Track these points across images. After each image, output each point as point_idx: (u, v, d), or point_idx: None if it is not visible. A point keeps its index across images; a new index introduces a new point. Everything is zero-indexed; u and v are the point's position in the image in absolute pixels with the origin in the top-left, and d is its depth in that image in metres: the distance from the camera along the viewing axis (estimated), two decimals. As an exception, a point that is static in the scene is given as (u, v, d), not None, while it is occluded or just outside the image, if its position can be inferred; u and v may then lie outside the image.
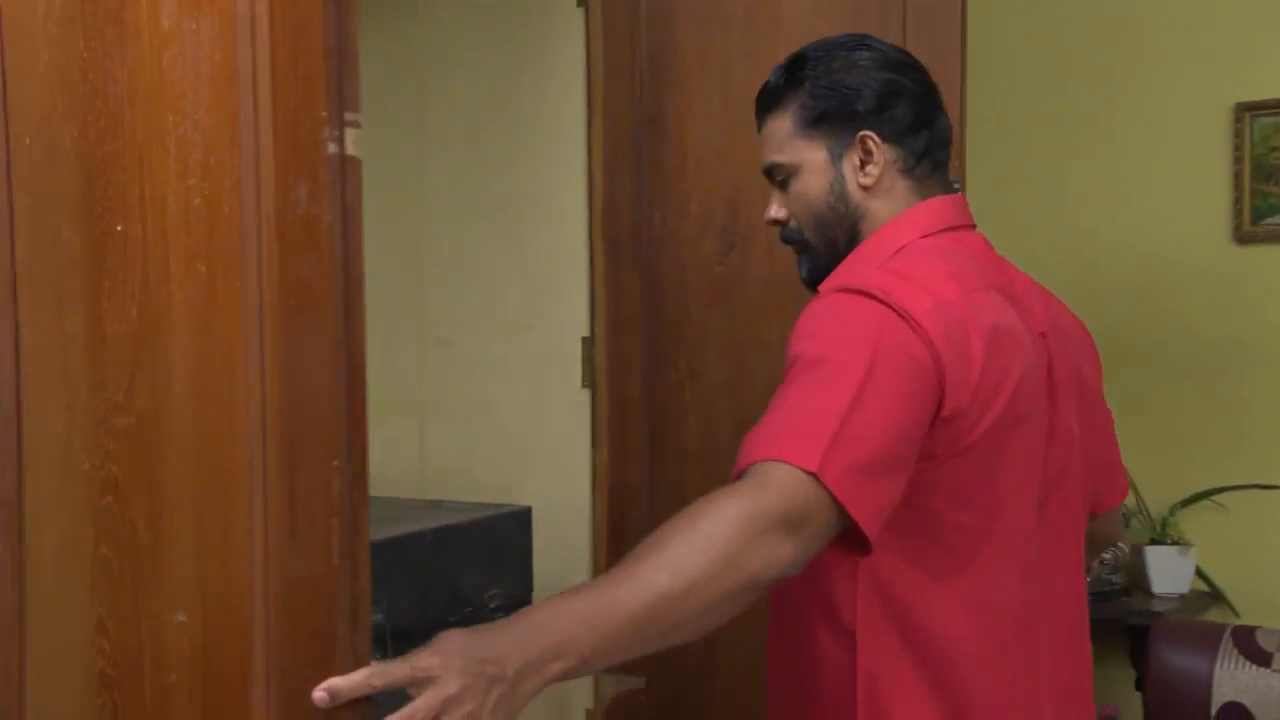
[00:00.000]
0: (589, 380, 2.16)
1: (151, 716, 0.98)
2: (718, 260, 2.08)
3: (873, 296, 1.26)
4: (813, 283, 1.47)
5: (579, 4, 2.14)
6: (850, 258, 1.41)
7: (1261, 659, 2.24)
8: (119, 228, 0.99)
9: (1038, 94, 3.11)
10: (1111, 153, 3.02)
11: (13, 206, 1.04)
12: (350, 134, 0.91)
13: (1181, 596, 2.80)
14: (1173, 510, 2.86)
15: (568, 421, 2.18)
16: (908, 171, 1.42)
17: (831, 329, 1.26)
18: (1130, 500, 2.88)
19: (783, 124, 1.45)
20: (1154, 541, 2.84)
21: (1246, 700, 2.22)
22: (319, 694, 1.01)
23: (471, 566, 1.90)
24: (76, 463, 1.00)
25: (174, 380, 0.96)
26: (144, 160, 0.99)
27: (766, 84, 1.49)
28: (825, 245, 1.45)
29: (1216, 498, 2.85)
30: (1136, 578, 2.87)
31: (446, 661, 1.01)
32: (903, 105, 1.41)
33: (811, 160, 1.43)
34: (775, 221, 1.49)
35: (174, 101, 0.97)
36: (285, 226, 0.91)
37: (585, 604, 1.09)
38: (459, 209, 2.29)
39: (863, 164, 1.41)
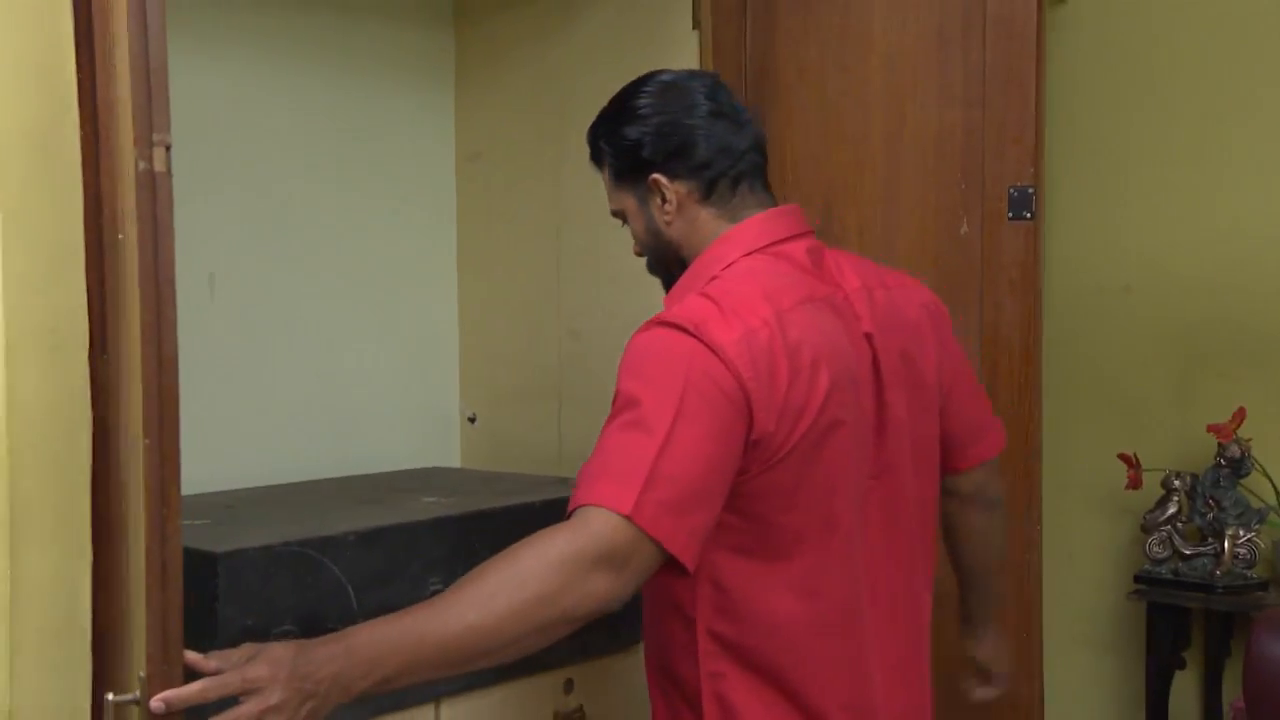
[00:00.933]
0: (699, 370, 2.35)
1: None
2: (813, 260, 2.24)
3: (684, 330, 1.38)
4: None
5: (694, 26, 2.34)
6: (678, 283, 1.55)
7: (1355, 652, 2.25)
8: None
9: (1171, 94, 3.11)
10: (1245, 149, 2.99)
11: None
12: (159, 153, 1.12)
13: (1318, 593, 2.78)
14: (1311, 507, 2.84)
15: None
16: (705, 199, 1.54)
17: (647, 368, 1.37)
18: (1267, 495, 2.88)
19: (605, 178, 1.63)
20: (1293, 536, 2.82)
21: (1338, 692, 2.24)
22: (156, 703, 1.16)
23: None
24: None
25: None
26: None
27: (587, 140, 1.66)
28: (664, 274, 1.61)
29: (1360, 495, 2.82)
30: (1274, 573, 2.86)
31: (274, 673, 1.20)
32: (682, 140, 1.53)
33: (629, 207, 1.60)
34: (639, 255, 1.65)
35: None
36: (104, 235, 1.12)
37: (398, 633, 1.26)
38: (592, 213, 2.51)
39: (662, 203, 1.55)
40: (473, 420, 2.72)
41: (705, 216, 1.55)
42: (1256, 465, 2.84)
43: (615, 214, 1.65)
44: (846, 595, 1.47)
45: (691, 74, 1.63)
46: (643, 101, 1.57)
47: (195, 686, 1.20)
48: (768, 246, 1.52)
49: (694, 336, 1.37)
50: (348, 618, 1.76)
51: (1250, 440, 2.86)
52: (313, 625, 1.72)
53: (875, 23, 2.18)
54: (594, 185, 2.52)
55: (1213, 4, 3.04)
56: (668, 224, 1.56)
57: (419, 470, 2.56)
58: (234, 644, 1.52)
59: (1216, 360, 3.04)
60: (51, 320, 1.37)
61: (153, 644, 1.07)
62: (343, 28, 2.53)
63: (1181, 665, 2.91)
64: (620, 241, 2.49)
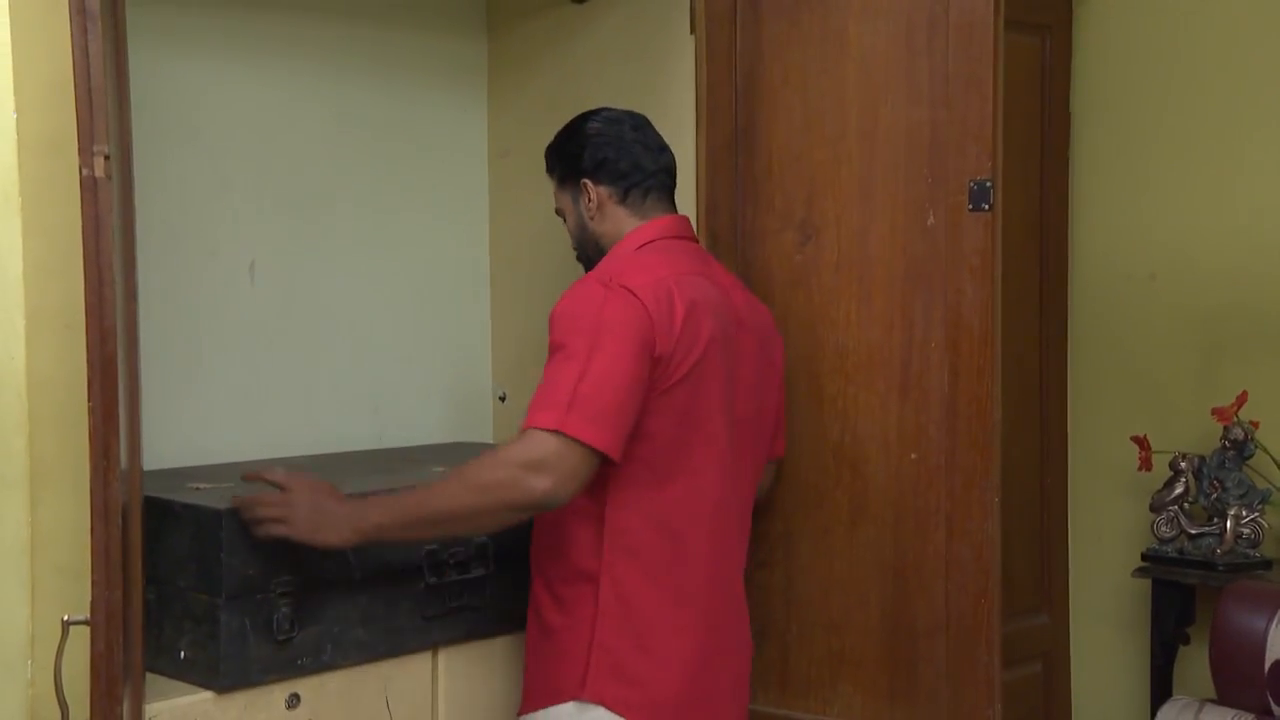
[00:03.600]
0: (696, 352, 2.52)
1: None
2: (796, 250, 2.39)
3: (601, 283, 1.89)
4: None
5: (691, 32, 2.51)
6: (597, 266, 2.04)
7: (1314, 622, 2.33)
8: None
9: (1197, 86, 3.17)
10: (1269, 141, 3.04)
11: None
12: (99, 161, 1.34)
13: (1322, 573, 2.84)
14: (1320, 490, 2.89)
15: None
16: (621, 202, 2.10)
17: (568, 318, 1.86)
18: (1275, 476, 2.94)
19: (553, 184, 2.19)
20: (1298, 519, 2.89)
21: (1294, 661, 2.32)
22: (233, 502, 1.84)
23: None
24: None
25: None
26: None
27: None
28: (586, 260, 2.16)
29: (1371, 479, 2.86)
30: (1281, 553, 2.93)
31: (300, 494, 1.84)
32: (606, 155, 2.09)
33: (566, 205, 2.16)
34: (573, 246, 2.14)
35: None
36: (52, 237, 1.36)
37: (390, 500, 1.85)
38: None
39: (588, 201, 2.10)
40: (503, 399, 2.94)
41: (620, 214, 2.11)
42: (1260, 447, 2.91)
43: (558, 212, 2.15)
44: (719, 498, 1.98)
45: (627, 112, 2.17)
46: (587, 126, 2.13)
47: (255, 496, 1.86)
48: (663, 239, 2.08)
49: (607, 286, 1.87)
50: (344, 573, 1.99)
51: (1258, 423, 2.93)
52: (312, 577, 1.95)
53: (850, 29, 2.32)
54: (610, 180, 2.73)
55: (1238, 3, 3.09)
56: (591, 219, 2.11)
57: (448, 445, 2.79)
58: (239, 591, 1.82)
59: (1236, 346, 3.10)
60: (65, 302, 1.62)
61: (96, 571, 1.30)
62: (385, 37, 2.77)
63: (1185, 641, 2.99)
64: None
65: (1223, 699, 2.55)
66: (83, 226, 1.38)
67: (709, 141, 2.47)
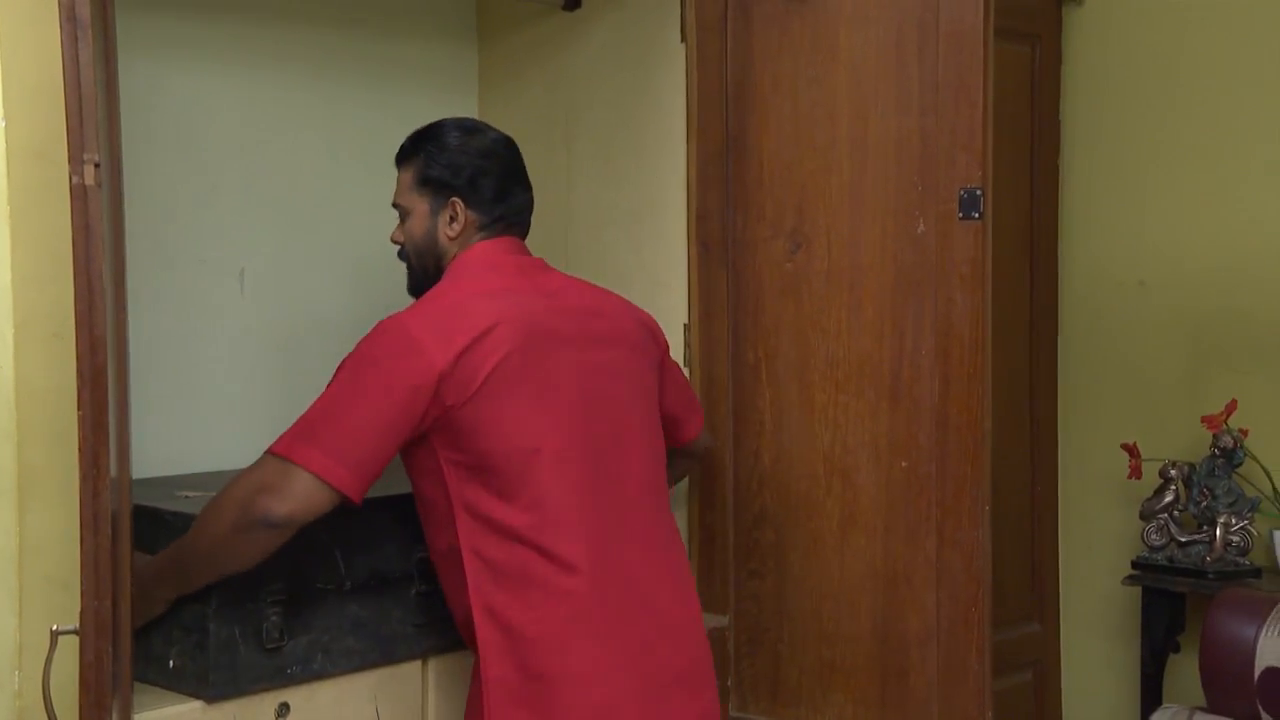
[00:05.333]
0: (687, 360, 2.52)
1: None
2: (787, 259, 2.39)
3: (389, 319, 1.87)
4: (411, 292, 2.07)
5: (682, 39, 2.51)
6: (438, 284, 1.97)
7: (1302, 629, 2.34)
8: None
9: (1185, 93, 3.18)
10: (1256, 148, 3.06)
11: None
12: (89, 169, 1.34)
13: (1312, 580, 2.85)
14: (1308, 497, 2.90)
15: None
16: (483, 229, 2.00)
17: (348, 357, 1.85)
18: (1264, 484, 2.95)
19: (406, 177, 2.05)
20: (1288, 526, 2.89)
21: (1283, 667, 2.33)
22: None
23: None
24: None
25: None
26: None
27: (402, 144, 2.08)
28: (420, 267, 2.04)
29: (1358, 486, 2.87)
30: (1271, 561, 2.93)
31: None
32: (487, 184, 1.99)
33: (418, 209, 2.02)
34: (394, 242, 2.07)
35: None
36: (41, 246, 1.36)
37: (162, 555, 1.82)
38: (596, 215, 2.71)
39: (450, 220, 1.99)
40: None
41: (476, 240, 2.00)
42: (1249, 454, 2.92)
43: (396, 206, 2.07)
44: (560, 504, 1.86)
45: (508, 141, 2.06)
46: (471, 141, 2.01)
47: None
48: (486, 257, 1.98)
49: (385, 322, 1.86)
50: (334, 582, 1.98)
51: (1248, 431, 2.94)
52: (302, 586, 1.94)
53: (840, 38, 2.32)
54: (598, 189, 2.73)
55: (1228, 7, 3.11)
56: (450, 238, 2.00)
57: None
58: (228, 600, 1.84)
59: (1225, 353, 3.11)
60: (55, 311, 1.62)
61: (85, 581, 1.29)
62: (376, 45, 2.76)
63: (1176, 649, 3.00)
64: (619, 244, 2.69)
65: (1213, 707, 2.56)
66: (73, 235, 1.38)
67: (700, 150, 2.48)
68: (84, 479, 1.33)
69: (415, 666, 2.12)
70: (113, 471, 1.38)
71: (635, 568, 1.92)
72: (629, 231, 2.64)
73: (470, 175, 1.99)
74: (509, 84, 2.87)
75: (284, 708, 1.91)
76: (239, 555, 1.77)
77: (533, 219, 2.82)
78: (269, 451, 1.78)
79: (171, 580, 1.80)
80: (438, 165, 2.00)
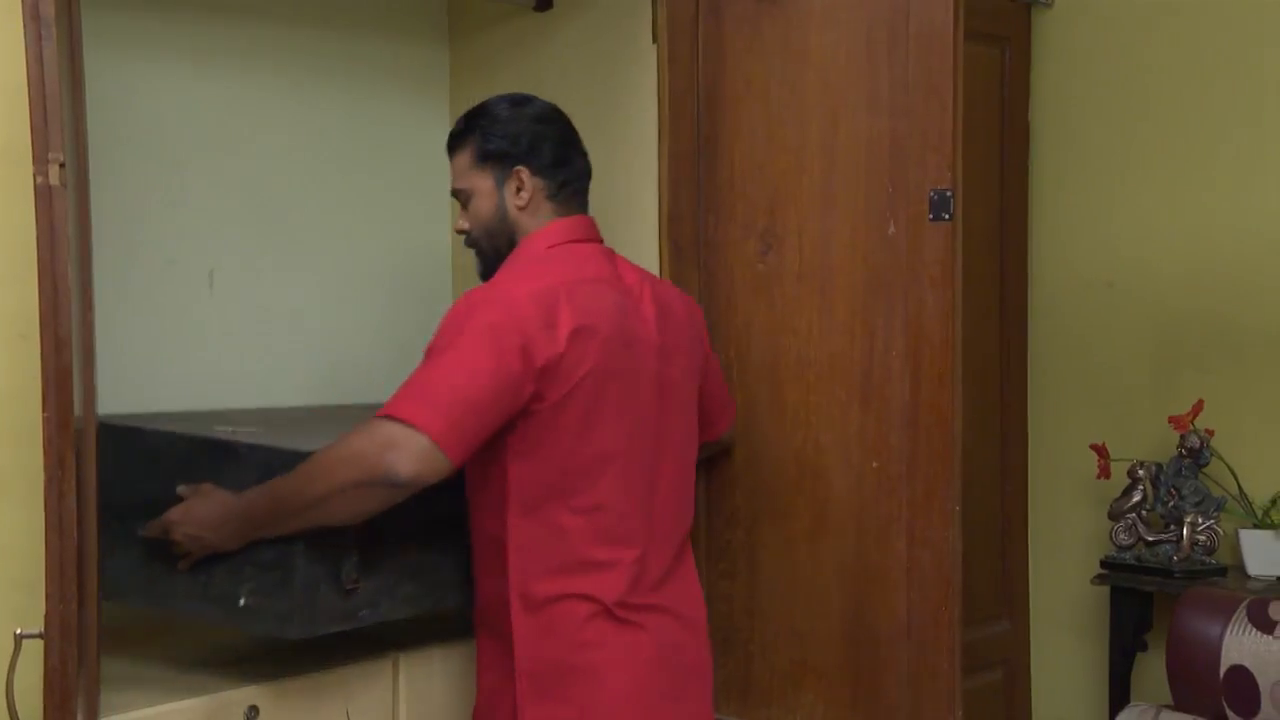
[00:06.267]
0: (659, 361, 2.51)
1: None
2: (758, 260, 2.39)
3: (485, 290, 1.86)
4: (483, 275, 2.03)
5: (654, 40, 2.51)
6: (508, 260, 1.99)
7: (1267, 627, 2.37)
8: None
9: (1153, 96, 3.21)
10: (1223, 150, 3.08)
11: None
12: (53, 170, 1.33)
13: (1278, 579, 2.87)
14: (1275, 499, 2.92)
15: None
16: (552, 197, 2.01)
17: (444, 326, 1.83)
18: (1230, 484, 2.97)
19: (463, 159, 2.05)
20: (1254, 526, 2.91)
21: (1249, 664, 2.35)
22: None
23: None
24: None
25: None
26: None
27: (450, 132, 2.05)
28: (492, 249, 2.03)
29: (1325, 486, 2.90)
30: (1237, 560, 2.96)
31: (183, 517, 1.80)
32: (547, 149, 2.01)
33: (481, 189, 2.02)
34: (460, 231, 2.04)
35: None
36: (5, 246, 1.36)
37: (270, 482, 1.77)
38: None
39: (518, 190, 1.99)
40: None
41: (547, 209, 2.02)
42: (1215, 454, 2.94)
43: (458, 192, 2.07)
44: (617, 510, 1.90)
45: (556, 109, 2.10)
46: (523, 110, 2.05)
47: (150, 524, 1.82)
48: (568, 242, 2.00)
49: (487, 293, 1.84)
50: (404, 525, 1.94)
51: (1214, 431, 2.96)
52: (370, 530, 1.88)
53: (811, 39, 2.33)
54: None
55: (1195, 11, 3.14)
56: (519, 209, 2.00)
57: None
58: (319, 539, 1.82)
59: (1192, 354, 3.14)
60: (20, 312, 1.61)
61: (50, 585, 1.28)
62: (347, 45, 2.76)
63: (1143, 648, 3.02)
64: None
65: (1179, 705, 2.58)
66: (37, 235, 1.36)
67: (671, 151, 2.48)
68: (49, 481, 1.32)
69: (385, 666, 2.12)
70: (79, 473, 1.37)
71: (666, 570, 1.98)
72: (601, 232, 2.63)
73: (529, 142, 2.00)
74: (480, 84, 2.86)
75: (253, 710, 1.91)
76: (349, 509, 1.75)
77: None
78: (391, 415, 1.73)
79: (259, 520, 1.77)
80: (495, 138, 2.01)
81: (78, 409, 1.43)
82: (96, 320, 1.54)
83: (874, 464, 2.26)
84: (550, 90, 2.70)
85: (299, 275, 2.67)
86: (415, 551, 1.99)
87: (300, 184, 2.68)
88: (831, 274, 2.31)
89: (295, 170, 2.67)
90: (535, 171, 1.99)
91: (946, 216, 2.20)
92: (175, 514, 1.81)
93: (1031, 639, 3.41)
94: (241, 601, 1.83)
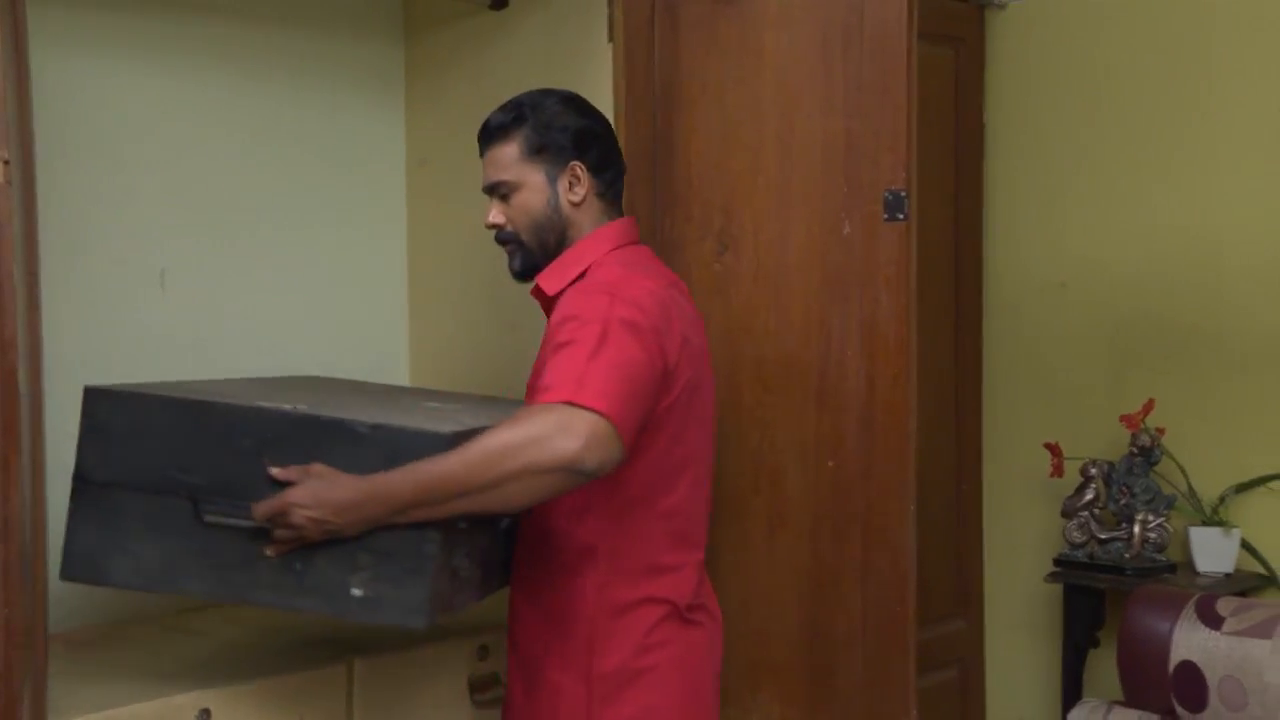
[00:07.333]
0: (615, 361, 2.51)
1: None
2: (715, 259, 2.39)
3: (608, 293, 1.82)
4: (523, 272, 2.00)
5: (609, 40, 2.50)
6: (564, 258, 1.97)
7: (1214, 623, 2.40)
8: None
9: (1105, 98, 3.24)
10: (1174, 154, 3.13)
11: None
12: None
13: (1227, 576, 2.90)
14: (1223, 497, 2.96)
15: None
16: (600, 195, 2.00)
17: (578, 321, 1.78)
18: (1180, 482, 3.01)
19: (509, 150, 1.99)
20: (1203, 523, 2.95)
21: (1198, 659, 2.39)
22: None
23: None
24: None
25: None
26: None
27: (489, 122, 2.00)
28: (539, 245, 1.99)
29: (1271, 484, 2.93)
30: (1187, 557, 2.99)
31: (304, 498, 1.66)
32: (597, 147, 1.99)
33: (533, 182, 1.97)
34: (494, 226, 2.01)
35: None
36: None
37: (405, 472, 1.65)
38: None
39: (572, 186, 1.96)
40: None
41: (597, 208, 2.00)
42: (1166, 453, 2.98)
43: (498, 185, 2.01)
44: (694, 517, 1.95)
45: (599, 111, 2.07)
46: (571, 105, 2.02)
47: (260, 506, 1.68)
48: (628, 244, 2.00)
49: (613, 295, 1.81)
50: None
51: (1165, 430, 3.00)
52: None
53: (767, 39, 2.33)
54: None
55: (1148, 14, 3.17)
56: (574, 205, 1.97)
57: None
58: (447, 525, 1.74)
59: (1144, 353, 3.17)
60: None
61: (-4, 588, 1.26)
62: (300, 43, 2.73)
63: (1096, 645, 3.05)
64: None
65: (1130, 700, 2.60)
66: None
67: (627, 150, 2.43)
68: (-7, 484, 1.30)
69: (339, 670, 2.09)
70: (25, 477, 1.35)
71: (708, 574, 2.04)
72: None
73: (584, 139, 1.98)
74: (436, 82, 2.84)
75: (204, 714, 1.88)
76: (525, 496, 1.68)
77: (461, 217, 2.83)
78: (573, 401, 1.66)
79: (401, 505, 1.66)
80: (552, 131, 1.97)
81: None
82: (43, 321, 1.51)
83: (830, 464, 2.27)
84: (506, 89, 2.68)
85: (252, 275, 2.64)
86: (488, 538, 1.92)
87: (254, 183, 2.65)
88: (787, 274, 2.31)
89: (249, 169, 2.64)
90: (589, 169, 1.98)
91: (901, 216, 2.21)
92: (297, 495, 1.67)
93: (986, 637, 3.43)
94: (356, 591, 1.72)
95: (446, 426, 1.75)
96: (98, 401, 1.75)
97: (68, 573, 1.74)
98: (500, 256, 2.71)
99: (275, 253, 2.68)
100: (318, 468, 1.70)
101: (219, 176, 2.59)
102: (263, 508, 1.69)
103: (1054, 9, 3.31)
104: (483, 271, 2.76)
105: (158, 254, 2.48)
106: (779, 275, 2.34)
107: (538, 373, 1.90)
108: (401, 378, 2.92)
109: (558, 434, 1.63)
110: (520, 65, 2.66)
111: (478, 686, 2.24)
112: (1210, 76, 3.06)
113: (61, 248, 2.25)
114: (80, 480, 1.75)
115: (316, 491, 1.67)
